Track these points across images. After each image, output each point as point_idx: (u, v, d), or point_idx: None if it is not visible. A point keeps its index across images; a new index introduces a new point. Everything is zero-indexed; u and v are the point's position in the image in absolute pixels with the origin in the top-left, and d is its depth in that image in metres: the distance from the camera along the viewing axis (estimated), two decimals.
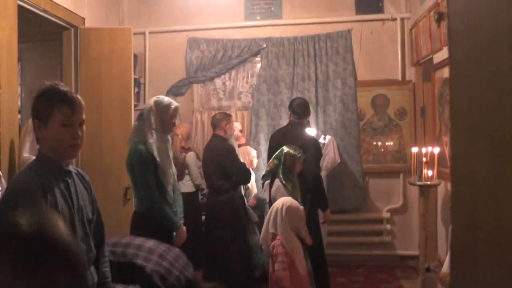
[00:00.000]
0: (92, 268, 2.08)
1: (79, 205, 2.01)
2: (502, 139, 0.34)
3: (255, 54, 6.05)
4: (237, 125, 5.37)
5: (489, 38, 0.35)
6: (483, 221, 0.37)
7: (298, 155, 4.25)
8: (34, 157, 3.02)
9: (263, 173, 4.54)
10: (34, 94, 1.96)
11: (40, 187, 1.84)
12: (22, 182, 1.88)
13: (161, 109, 3.38)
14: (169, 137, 3.54)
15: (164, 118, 3.40)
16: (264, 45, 6.00)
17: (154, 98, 3.45)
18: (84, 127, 2.00)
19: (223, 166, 4.54)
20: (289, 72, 5.95)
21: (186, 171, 5.32)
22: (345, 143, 5.70)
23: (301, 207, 3.69)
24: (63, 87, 1.97)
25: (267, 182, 4.88)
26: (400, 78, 5.84)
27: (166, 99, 3.50)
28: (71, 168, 2.07)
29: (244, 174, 4.66)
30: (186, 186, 5.27)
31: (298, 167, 4.24)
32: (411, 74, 5.80)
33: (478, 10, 0.36)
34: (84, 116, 1.99)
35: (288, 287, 3.40)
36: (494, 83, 0.36)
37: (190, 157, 5.37)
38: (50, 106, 1.90)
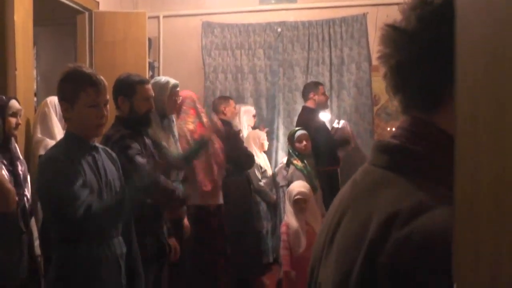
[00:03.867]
0: (120, 239, 2.17)
1: (107, 179, 2.12)
2: (505, 136, 0.35)
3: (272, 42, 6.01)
4: (250, 109, 5.36)
5: (499, 24, 0.35)
6: (485, 218, 0.39)
7: (293, 133, 4.33)
8: (47, 139, 3.11)
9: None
10: (59, 77, 2.09)
11: (69, 159, 1.98)
12: (52, 156, 2.03)
13: (159, 89, 3.18)
14: (173, 118, 3.40)
15: (163, 98, 3.21)
16: (279, 30, 5.96)
17: (151, 80, 3.26)
18: (108, 106, 2.12)
19: (225, 151, 4.55)
20: (304, 57, 5.92)
21: None
22: (359, 128, 5.67)
23: (302, 190, 3.67)
24: (87, 70, 2.12)
25: (280, 166, 4.95)
26: None
27: (164, 78, 3.39)
28: (98, 145, 2.20)
29: (246, 159, 4.64)
30: None
31: (299, 146, 4.28)
32: None
33: None
34: (108, 97, 2.12)
35: (285, 264, 3.46)
36: (501, 74, 0.35)
37: None
38: (76, 89, 2.02)
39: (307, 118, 4.72)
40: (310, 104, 4.88)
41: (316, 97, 4.86)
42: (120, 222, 2.13)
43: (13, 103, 2.76)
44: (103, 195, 2.06)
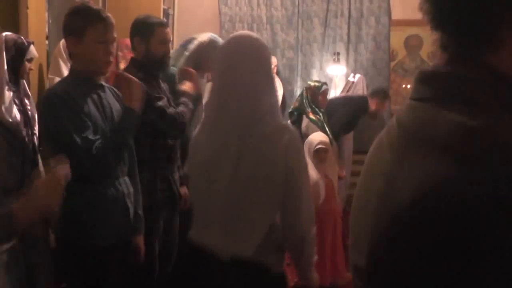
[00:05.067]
0: (127, 179, 2.16)
1: (113, 117, 2.08)
2: None
3: None
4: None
5: None
6: None
7: (319, 86, 4.22)
8: (56, 77, 3.11)
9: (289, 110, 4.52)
10: (67, 12, 2.03)
11: (71, 96, 1.94)
12: (54, 92, 2.00)
13: (213, 49, 3.03)
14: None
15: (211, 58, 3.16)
16: None
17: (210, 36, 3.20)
18: (115, 45, 2.09)
19: None
20: (323, 8, 5.79)
21: None
22: (375, 83, 5.56)
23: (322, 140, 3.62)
24: (96, 6, 2.07)
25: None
26: None
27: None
28: (104, 83, 2.15)
29: None
30: None
31: (322, 99, 4.19)
32: None
33: None
34: (115, 35, 2.06)
35: None
36: None
37: None
38: (84, 23, 1.97)
39: (355, 106, 4.52)
40: (371, 104, 4.59)
41: (377, 105, 4.59)
42: (120, 158, 2.09)
43: (32, 48, 2.77)
44: (106, 134, 2.03)
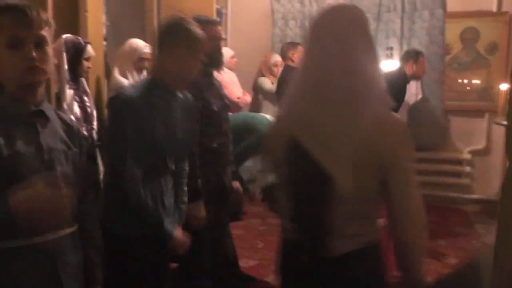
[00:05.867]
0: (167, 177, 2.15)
1: (175, 130, 2.09)
2: None
3: None
4: None
5: None
6: None
7: None
8: (124, 80, 3.26)
9: None
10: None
11: (138, 102, 1.96)
12: (122, 96, 2.02)
13: None
14: None
15: None
16: None
17: None
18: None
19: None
20: (375, 3, 5.70)
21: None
22: (429, 78, 5.43)
23: None
24: (188, 23, 2.07)
25: None
26: (495, 9, 5.41)
27: None
28: (180, 94, 2.15)
29: None
30: None
31: None
32: (508, 4, 5.34)
33: None
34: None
35: None
36: None
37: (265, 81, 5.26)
38: (173, 40, 2.04)
39: (397, 79, 4.46)
40: (407, 69, 4.54)
41: (414, 67, 4.55)
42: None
43: (89, 48, 2.97)
44: (177, 143, 2.10)
